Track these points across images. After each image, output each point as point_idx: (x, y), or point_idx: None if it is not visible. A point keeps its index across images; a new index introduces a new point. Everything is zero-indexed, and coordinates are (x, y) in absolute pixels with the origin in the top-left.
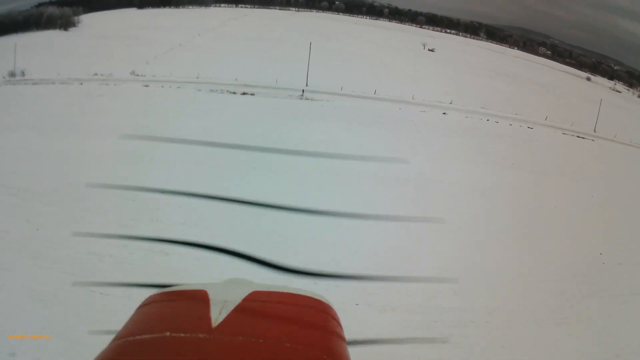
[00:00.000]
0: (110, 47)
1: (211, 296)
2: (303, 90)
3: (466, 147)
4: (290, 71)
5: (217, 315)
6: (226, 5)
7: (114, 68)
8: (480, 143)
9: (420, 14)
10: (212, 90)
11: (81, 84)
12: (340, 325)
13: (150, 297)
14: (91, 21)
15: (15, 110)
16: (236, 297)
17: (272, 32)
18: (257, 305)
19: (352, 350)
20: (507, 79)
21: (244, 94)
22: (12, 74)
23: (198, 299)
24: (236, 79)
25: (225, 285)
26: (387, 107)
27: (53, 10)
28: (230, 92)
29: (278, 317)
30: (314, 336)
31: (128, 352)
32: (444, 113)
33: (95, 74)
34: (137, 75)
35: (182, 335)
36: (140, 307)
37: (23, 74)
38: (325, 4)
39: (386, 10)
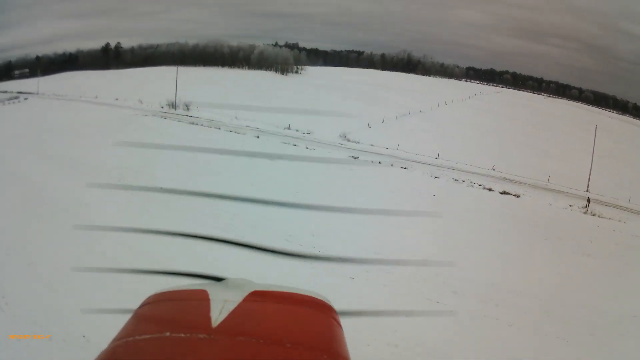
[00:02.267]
0: (332, 101)
1: (211, 296)
2: (588, 200)
3: None
4: (556, 167)
5: (217, 315)
6: (476, 82)
7: (323, 126)
8: None
9: None
10: (456, 180)
11: (257, 137)
12: (340, 325)
13: (150, 297)
14: (319, 72)
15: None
16: (236, 297)
17: (521, 114)
18: (257, 305)
19: (353, 321)
20: None
21: (504, 193)
22: (172, 105)
23: (198, 298)
24: (493, 168)
25: (225, 285)
26: None
27: (269, 49)
28: (485, 188)
29: (278, 317)
30: (314, 336)
31: (128, 353)
32: None
33: (288, 128)
34: (348, 140)
35: (182, 335)
36: (140, 307)
37: (187, 107)
38: (575, 92)
39: (630, 104)
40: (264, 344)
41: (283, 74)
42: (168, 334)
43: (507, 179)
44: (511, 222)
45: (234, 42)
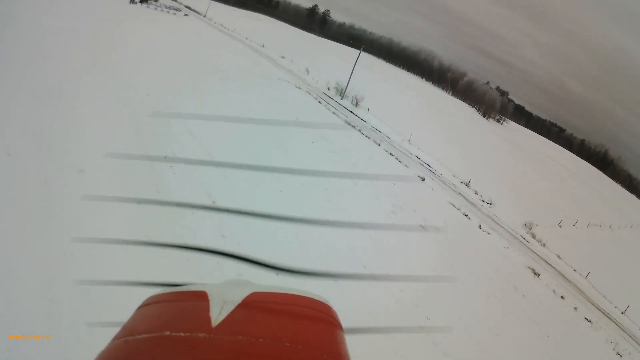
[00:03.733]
0: (525, 171)
1: (211, 296)
2: None
3: None
4: None
5: (217, 315)
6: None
7: (508, 201)
8: None
9: None
10: None
11: (423, 179)
12: (341, 326)
13: (150, 297)
14: (519, 131)
15: None
16: (236, 298)
17: None
18: (257, 306)
19: (353, 338)
20: None
21: None
22: (340, 92)
23: (198, 299)
24: None
25: (225, 285)
26: None
27: (480, 84)
28: None
29: (278, 317)
30: (315, 336)
31: (127, 352)
32: None
33: (467, 184)
34: (533, 235)
35: (182, 334)
36: (140, 307)
37: (356, 102)
38: None
39: None
40: (264, 343)
41: (485, 117)
42: (168, 333)
43: None
44: None
45: (446, 62)
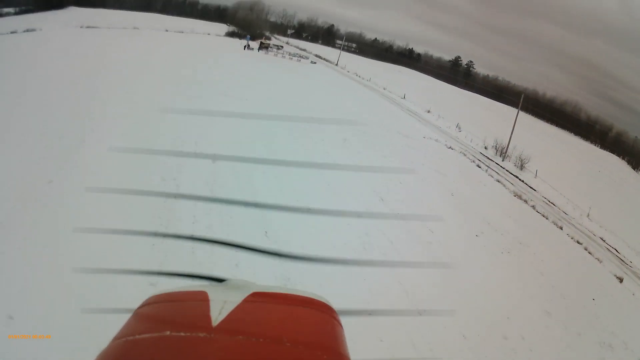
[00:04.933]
0: None
1: (211, 297)
2: None
3: None
4: None
5: (217, 315)
6: None
7: None
8: None
9: None
10: None
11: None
12: (341, 325)
13: (150, 297)
14: None
15: None
16: (236, 298)
17: None
18: (257, 305)
19: None
20: None
21: None
22: (500, 152)
23: (198, 299)
24: None
25: (225, 286)
26: None
27: (626, 134)
28: None
29: (278, 317)
30: (314, 335)
31: (128, 352)
32: None
33: None
34: None
35: (182, 334)
36: (140, 307)
37: (521, 164)
38: None
39: None
40: (264, 343)
41: (635, 170)
42: (168, 333)
43: None
44: None
45: (592, 114)
